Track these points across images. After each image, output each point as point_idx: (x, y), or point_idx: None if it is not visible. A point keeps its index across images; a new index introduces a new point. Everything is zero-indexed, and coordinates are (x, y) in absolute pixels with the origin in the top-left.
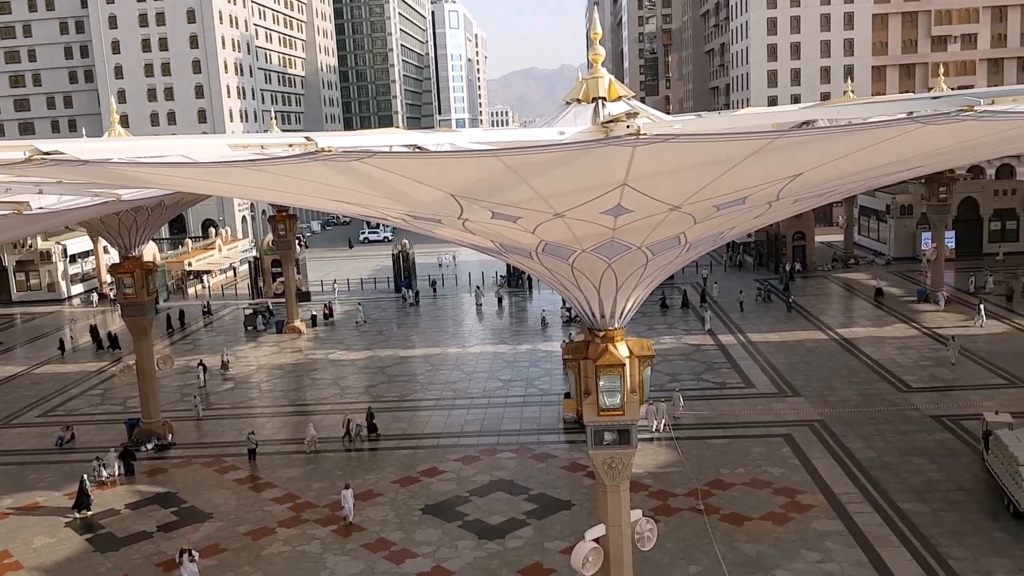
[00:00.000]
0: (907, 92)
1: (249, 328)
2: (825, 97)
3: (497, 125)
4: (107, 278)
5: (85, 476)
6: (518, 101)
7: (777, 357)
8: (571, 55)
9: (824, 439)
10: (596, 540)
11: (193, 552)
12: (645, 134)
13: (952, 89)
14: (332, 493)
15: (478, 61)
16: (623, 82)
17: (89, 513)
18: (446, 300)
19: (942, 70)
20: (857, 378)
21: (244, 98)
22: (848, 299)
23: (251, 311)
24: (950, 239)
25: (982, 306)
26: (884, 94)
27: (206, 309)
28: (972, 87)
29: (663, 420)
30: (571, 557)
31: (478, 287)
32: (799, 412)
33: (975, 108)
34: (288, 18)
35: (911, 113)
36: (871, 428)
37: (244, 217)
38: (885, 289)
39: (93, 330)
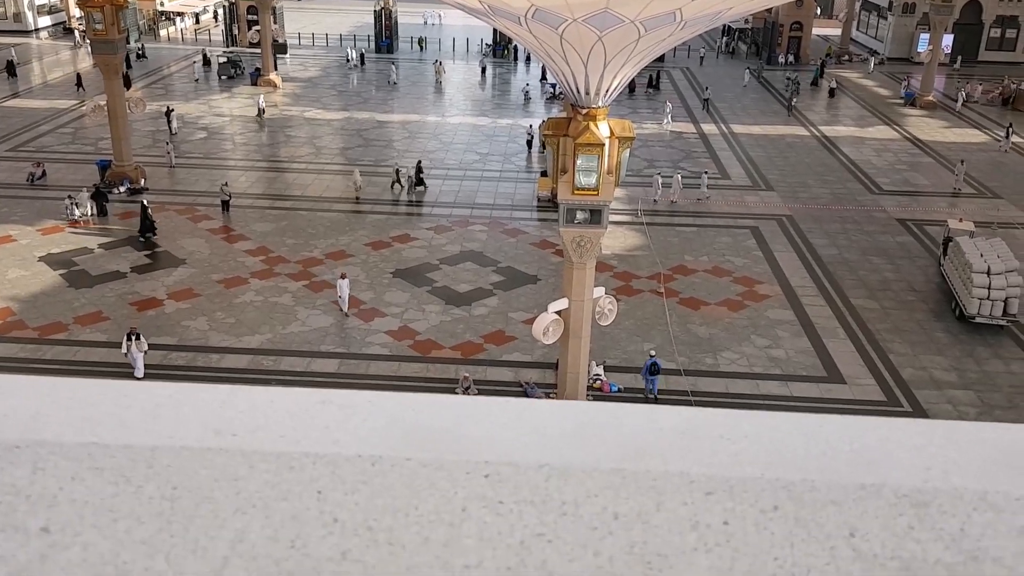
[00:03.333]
0: None
1: (223, 77)
2: None
3: None
4: (76, 12)
5: (145, 201)
6: None
7: (756, 150)
8: None
9: (789, 233)
10: (558, 313)
11: (140, 336)
12: None
13: None
14: (304, 250)
15: None
16: None
17: (154, 237)
18: (426, 65)
19: None
20: (831, 176)
21: None
22: (836, 97)
23: (225, 60)
24: (947, 42)
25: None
26: None
27: (206, 60)
28: None
29: (678, 193)
30: (532, 327)
31: (438, 61)
32: (769, 206)
33: None
34: None
35: None
36: (836, 226)
37: None
38: (875, 90)
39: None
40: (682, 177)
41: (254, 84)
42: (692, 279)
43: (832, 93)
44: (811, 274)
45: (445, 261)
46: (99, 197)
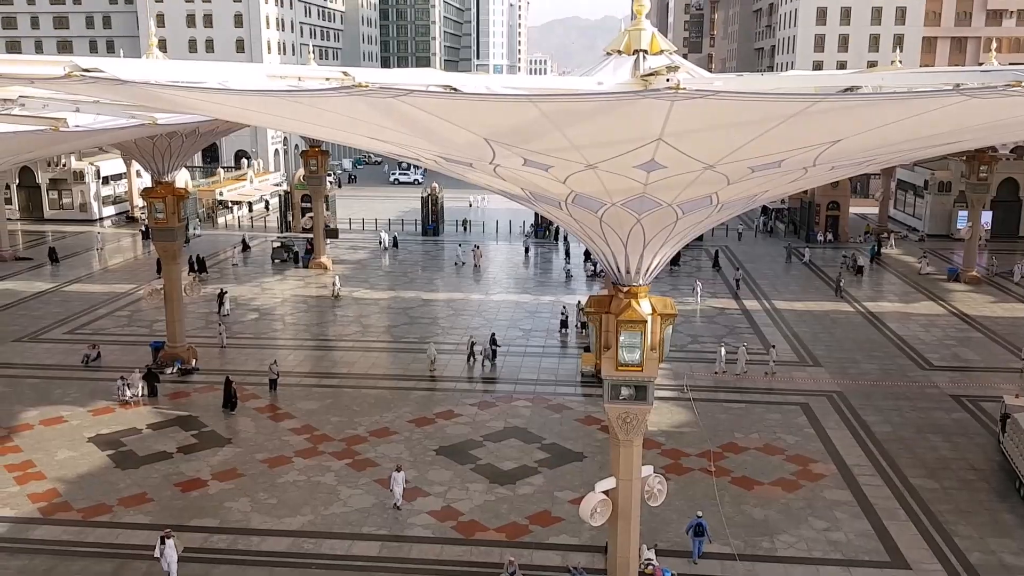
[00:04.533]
0: (957, 66)
1: (276, 261)
2: (872, 65)
3: (535, 73)
4: (138, 202)
5: (228, 377)
6: (558, 50)
7: (800, 326)
8: (615, 6)
9: (841, 410)
10: (606, 492)
11: (172, 537)
12: (684, 88)
13: (1004, 65)
14: (348, 428)
15: (520, 7)
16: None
17: (233, 412)
18: (470, 246)
19: (995, 45)
20: (879, 352)
21: (283, 30)
22: (877, 273)
23: (279, 244)
24: (986, 220)
25: None
26: (933, 65)
27: (245, 245)
28: None
29: (745, 361)
30: (580, 507)
31: (476, 246)
32: (818, 382)
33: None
34: None
35: (958, 85)
36: (889, 403)
37: (277, 150)
38: (924, 269)
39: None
40: (746, 349)
41: (306, 267)
42: (743, 457)
43: (860, 271)
44: (866, 452)
45: (489, 438)
46: (151, 378)
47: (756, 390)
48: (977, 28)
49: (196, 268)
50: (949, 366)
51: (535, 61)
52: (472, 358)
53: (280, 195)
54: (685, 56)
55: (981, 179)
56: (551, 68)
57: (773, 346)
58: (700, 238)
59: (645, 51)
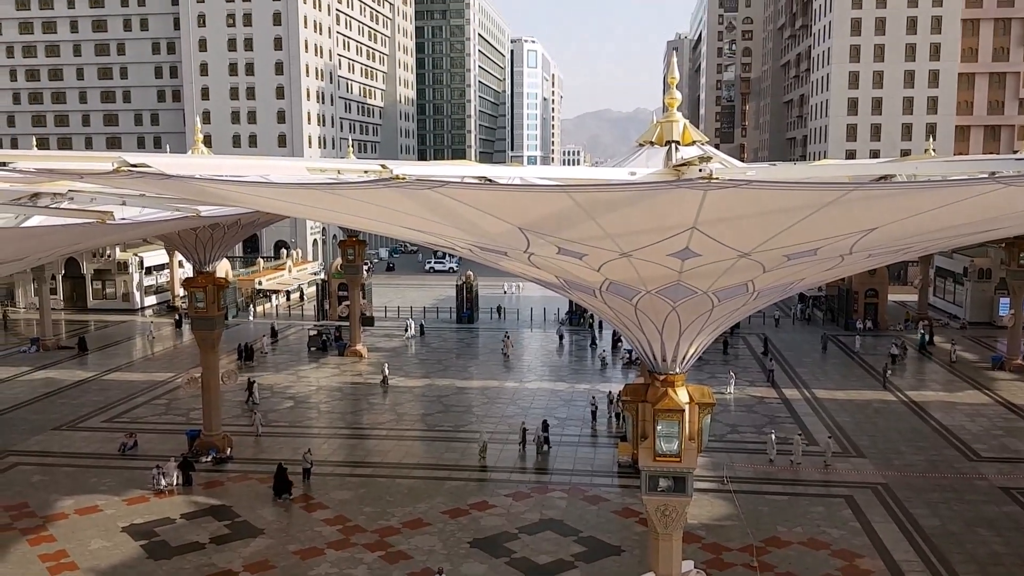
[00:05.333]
0: (991, 154)
1: (313, 349)
2: (905, 154)
3: (568, 164)
4: (180, 291)
5: (282, 462)
6: (591, 141)
7: (842, 415)
8: (646, 99)
9: (887, 503)
10: None
11: None
12: (717, 178)
13: None
14: (381, 519)
15: (553, 100)
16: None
17: (291, 498)
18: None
19: None
20: (924, 443)
21: (324, 125)
22: (919, 361)
23: (315, 332)
24: None
25: None
26: (967, 155)
27: (274, 333)
28: None
29: (801, 451)
30: None
31: (506, 334)
32: (862, 474)
33: None
34: (371, 50)
35: (993, 173)
36: (936, 495)
37: (315, 240)
38: (959, 354)
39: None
40: (801, 438)
41: (341, 355)
42: (787, 552)
43: (894, 359)
44: (915, 547)
45: (524, 530)
46: (186, 467)
47: (799, 482)
48: (1010, 116)
49: (243, 356)
50: (998, 457)
51: (568, 152)
52: (524, 445)
53: (318, 284)
54: (717, 146)
55: (1022, 266)
56: (584, 159)
57: (830, 437)
58: (737, 326)
59: (677, 142)
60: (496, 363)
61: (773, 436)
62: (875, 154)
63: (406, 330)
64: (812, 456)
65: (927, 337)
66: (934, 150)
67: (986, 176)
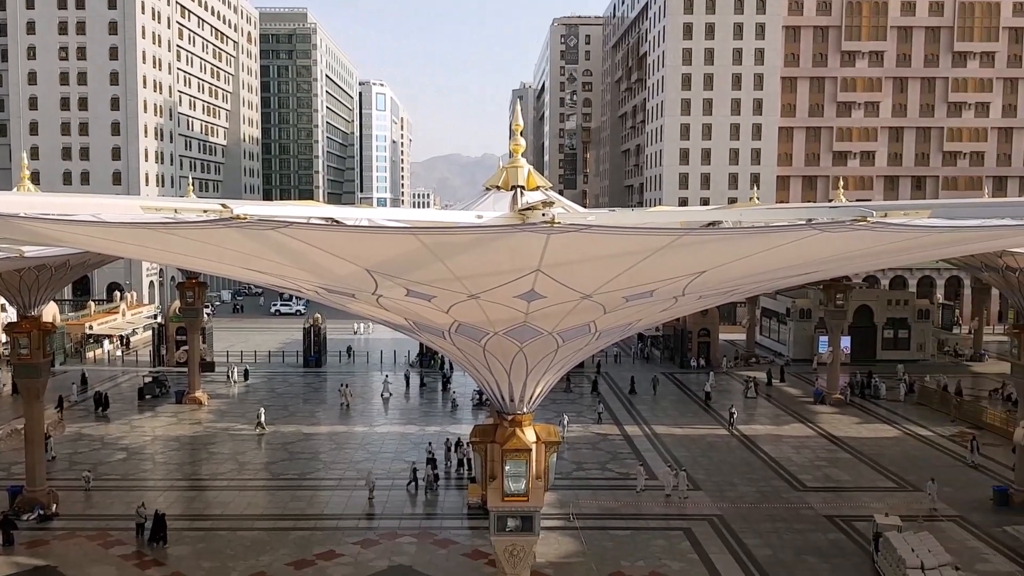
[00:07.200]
0: (809, 201)
1: (147, 397)
2: (732, 202)
3: (418, 206)
4: (2, 337)
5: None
6: (440, 185)
7: (680, 450)
8: (494, 145)
9: (723, 534)
10: None
11: None
12: (559, 223)
13: (850, 201)
14: (221, 573)
15: (402, 143)
16: (543, 174)
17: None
18: (355, 377)
19: (842, 183)
20: (755, 475)
21: (162, 163)
22: (755, 397)
23: (150, 379)
24: (846, 344)
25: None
26: (788, 202)
27: (83, 380)
28: (869, 200)
29: (675, 485)
30: None
31: (344, 384)
32: (699, 506)
33: (868, 219)
34: (213, 87)
35: (810, 220)
36: (767, 525)
37: (152, 282)
38: (750, 393)
39: None
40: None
41: (179, 403)
42: None
43: (746, 396)
44: None
45: None
46: (6, 525)
47: (641, 515)
48: (825, 168)
49: (99, 406)
50: (822, 487)
51: (418, 195)
52: (415, 484)
53: (154, 328)
54: (561, 192)
55: (838, 306)
56: (433, 202)
57: (684, 470)
58: (581, 365)
59: (522, 187)
60: (344, 409)
61: (642, 468)
62: (705, 201)
63: (227, 377)
64: (651, 490)
65: (770, 378)
66: (758, 198)
67: (803, 223)
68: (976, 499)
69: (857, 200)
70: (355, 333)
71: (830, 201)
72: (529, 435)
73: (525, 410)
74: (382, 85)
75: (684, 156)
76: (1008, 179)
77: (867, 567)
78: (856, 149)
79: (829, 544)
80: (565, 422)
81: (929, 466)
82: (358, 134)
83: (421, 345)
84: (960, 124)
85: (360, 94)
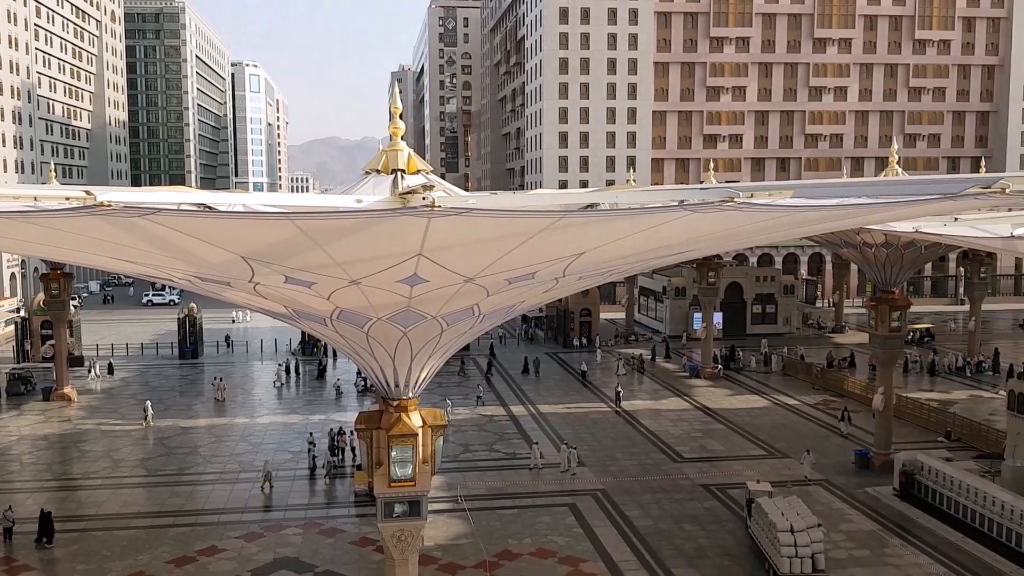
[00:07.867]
0: (682, 183)
1: (11, 394)
2: (610, 183)
3: (297, 191)
4: None
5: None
6: (319, 168)
7: (564, 428)
8: (375, 128)
9: (605, 508)
10: None
11: None
12: (440, 206)
13: (720, 182)
14: (98, 575)
15: (279, 126)
16: (424, 158)
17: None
18: (235, 367)
19: (712, 166)
20: (636, 448)
21: (20, 148)
22: (628, 373)
23: (14, 376)
24: (718, 320)
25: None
26: (662, 184)
27: None
28: (737, 182)
29: (573, 462)
30: None
31: (218, 378)
32: (583, 482)
33: (735, 200)
34: (76, 68)
35: (682, 201)
36: (648, 497)
37: (13, 274)
38: (620, 371)
39: None
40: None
41: (47, 400)
42: (518, 563)
43: (626, 372)
44: (631, 547)
45: (257, 572)
46: None
47: (527, 494)
48: (697, 151)
49: None
50: (698, 457)
51: (296, 179)
52: (312, 469)
53: (17, 322)
54: (443, 176)
55: (710, 284)
56: (312, 186)
57: (574, 447)
58: (467, 347)
59: (403, 170)
60: (226, 398)
61: (536, 447)
62: (584, 184)
63: (89, 370)
64: (536, 469)
65: (666, 350)
66: (634, 180)
67: (676, 204)
68: (840, 463)
69: (727, 181)
70: (233, 322)
71: (701, 183)
72: (415, 420)
73: (411, 395)
74: (255, 66)
75: (563, 139)
76: (865, 159)
77: (741, 532)
78: (725, 132)
79: (705, 512)
80: (449, 407)
81: (797, 434)
82: (232, 117)
83: (303, 333)
84: (820, 108)
85: (233, 76)
